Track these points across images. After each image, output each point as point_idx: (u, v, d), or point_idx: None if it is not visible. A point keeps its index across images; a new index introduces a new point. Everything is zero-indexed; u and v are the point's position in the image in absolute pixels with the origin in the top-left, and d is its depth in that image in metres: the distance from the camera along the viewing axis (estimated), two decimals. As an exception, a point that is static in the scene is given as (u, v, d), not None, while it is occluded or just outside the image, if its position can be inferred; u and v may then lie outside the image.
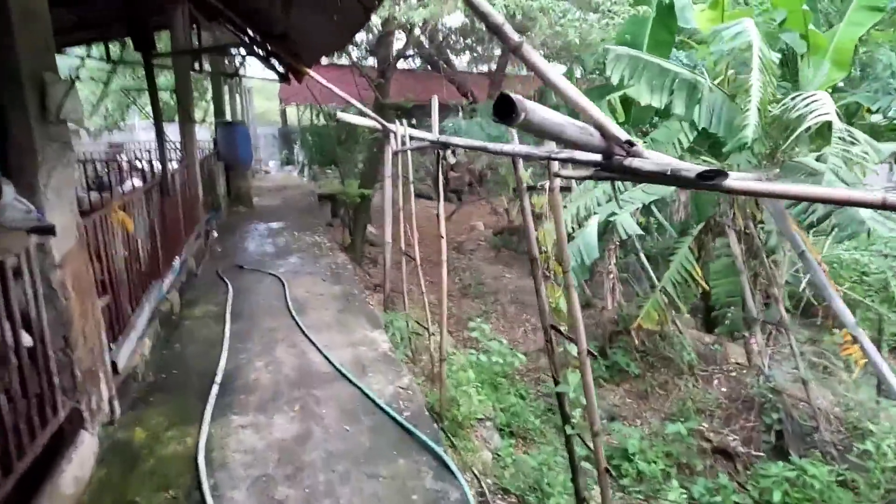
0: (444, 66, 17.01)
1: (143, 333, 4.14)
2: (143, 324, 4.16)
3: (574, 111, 1.82)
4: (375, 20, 11.99)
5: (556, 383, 3.41)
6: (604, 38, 7.17)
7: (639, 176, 2.03)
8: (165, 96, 15.10)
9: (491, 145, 3.24)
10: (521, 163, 3.16)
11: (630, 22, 6.92)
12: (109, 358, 3.25)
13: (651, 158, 1.98)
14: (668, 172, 1.66)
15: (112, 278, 3.68)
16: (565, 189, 3.60)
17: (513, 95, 1.51)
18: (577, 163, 2.25)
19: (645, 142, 6.53)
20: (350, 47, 12.19)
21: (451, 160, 17.61)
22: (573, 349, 3.20)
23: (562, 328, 3.47)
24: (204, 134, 14.43)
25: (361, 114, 6.53)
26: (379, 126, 6.07)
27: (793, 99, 4.84)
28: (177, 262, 5.61)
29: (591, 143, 1.95)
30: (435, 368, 5.78)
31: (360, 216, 11.25)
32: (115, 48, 11.56)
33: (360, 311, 5.63)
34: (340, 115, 5.62)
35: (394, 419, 3.48)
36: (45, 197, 2.68)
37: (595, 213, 5.46)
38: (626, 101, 6.99)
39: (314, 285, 6.30)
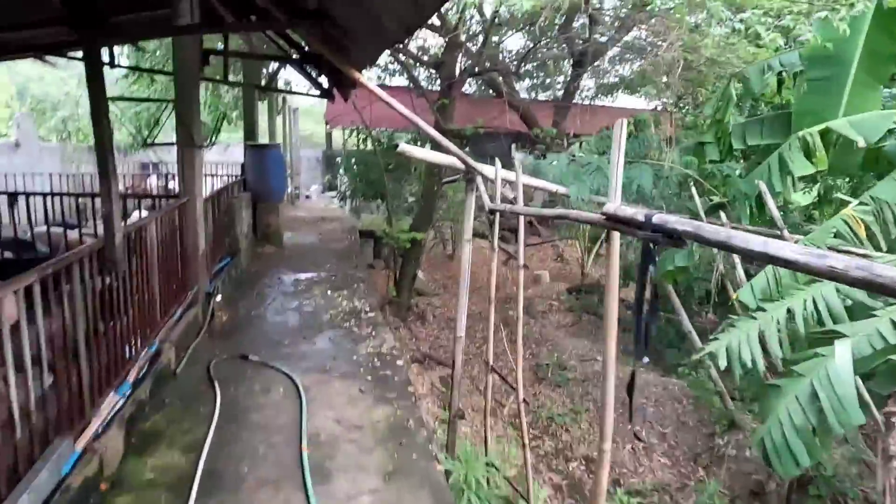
0: (507, 91, 14.81)
1: None
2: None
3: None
4: (430, 30, 9.89)
5: None
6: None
7: None
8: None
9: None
10: None
11: (827, 27, 4.51)
12: None
13: None
14: None
15: None
16: None
17: None
18: None
19: (862, 202, 4.06)
20: (401, 61, 10.10)
21: (510, 195, 15.30)
22: None
23: None
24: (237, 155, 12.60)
25: (427, 145, 4.30)
26: (460, 165, 3.78)
27: None
28: (130, 376, 3.39)
29: None
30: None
31: (409, 263, 9.00)
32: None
33: (422, 476, 3.23)
34: (404, 147, 3.40)
35: None
36: None
37: (842, 335, 3.01)
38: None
39: (348, 403, 3.98)
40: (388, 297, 8.95)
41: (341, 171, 18.22)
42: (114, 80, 10.71)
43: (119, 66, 6.70)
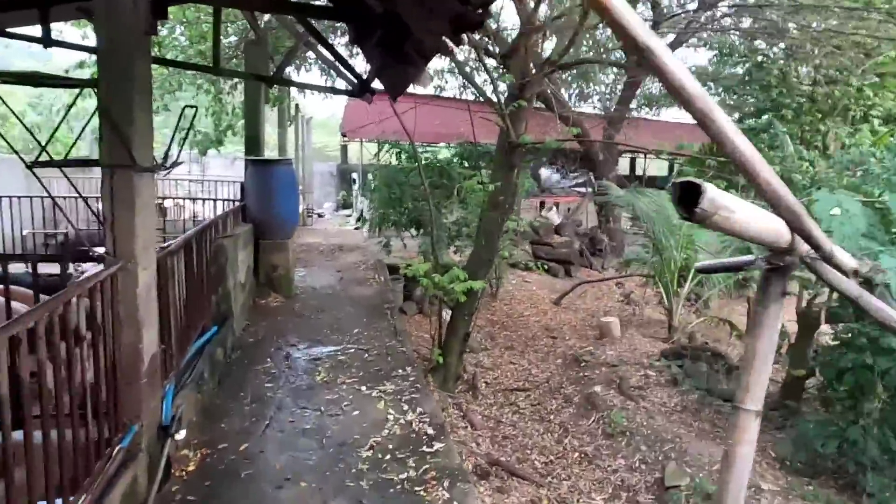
0: (556, 101, 12.49)
1: None
2: None
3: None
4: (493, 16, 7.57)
5: None
6: None
7: None
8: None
9: None
10: None
11: None
12: None
13: None
14: None
15: None
16: None
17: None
18: None
19: None
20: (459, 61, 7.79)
21: (555, 220, 12.90)
22: None
23: None
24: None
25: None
26: (782, 234, 1.35)
27: None
28: None
29: None
30: None
31: (461, 319, 6.58)
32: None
33: None
34: (716, 196, 1.09)
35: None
36: None
37: None
38: None
39: None
40: (432, 364, 6.54)
41: (357, 188, 15.92)
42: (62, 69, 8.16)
43: (57, 43, 4.40)
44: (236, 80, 9.76)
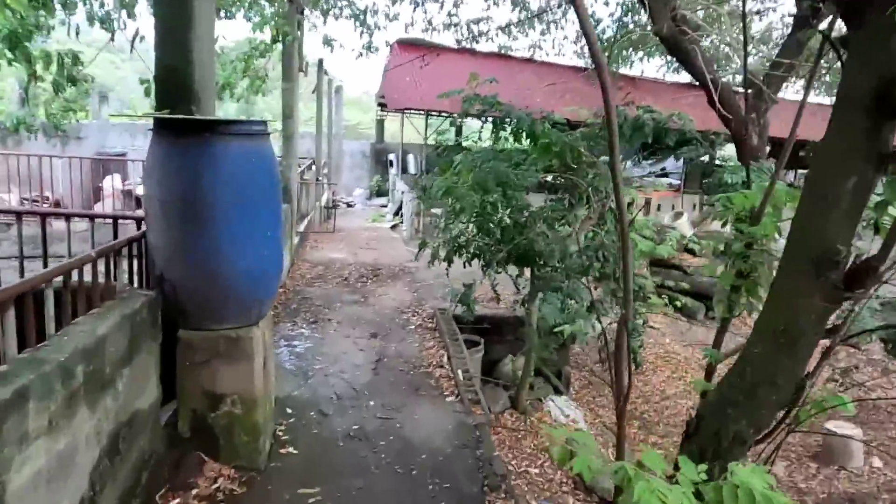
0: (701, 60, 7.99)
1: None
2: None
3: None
4: None
5: None
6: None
7: None
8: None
9: None
10: None
11: None
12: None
13: None
14: None
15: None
16: None
17: None
18: None
19: None
20: None
21: (687, 231, 8.48)
22: None
23: None
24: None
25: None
26: None
27: None
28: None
29: None
30: None
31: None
32: None
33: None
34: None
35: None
36: None
37: None
38: None
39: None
40: None
41: (395, 173, 11.83)
42: None
43: None
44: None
